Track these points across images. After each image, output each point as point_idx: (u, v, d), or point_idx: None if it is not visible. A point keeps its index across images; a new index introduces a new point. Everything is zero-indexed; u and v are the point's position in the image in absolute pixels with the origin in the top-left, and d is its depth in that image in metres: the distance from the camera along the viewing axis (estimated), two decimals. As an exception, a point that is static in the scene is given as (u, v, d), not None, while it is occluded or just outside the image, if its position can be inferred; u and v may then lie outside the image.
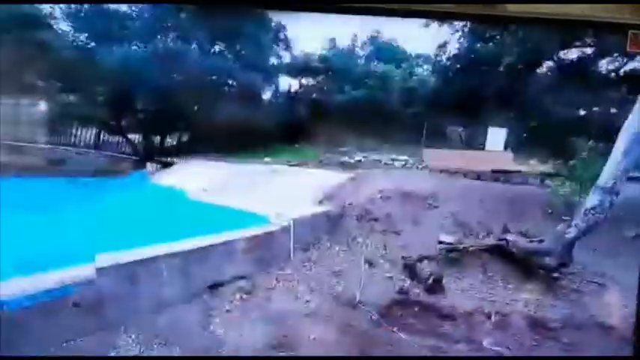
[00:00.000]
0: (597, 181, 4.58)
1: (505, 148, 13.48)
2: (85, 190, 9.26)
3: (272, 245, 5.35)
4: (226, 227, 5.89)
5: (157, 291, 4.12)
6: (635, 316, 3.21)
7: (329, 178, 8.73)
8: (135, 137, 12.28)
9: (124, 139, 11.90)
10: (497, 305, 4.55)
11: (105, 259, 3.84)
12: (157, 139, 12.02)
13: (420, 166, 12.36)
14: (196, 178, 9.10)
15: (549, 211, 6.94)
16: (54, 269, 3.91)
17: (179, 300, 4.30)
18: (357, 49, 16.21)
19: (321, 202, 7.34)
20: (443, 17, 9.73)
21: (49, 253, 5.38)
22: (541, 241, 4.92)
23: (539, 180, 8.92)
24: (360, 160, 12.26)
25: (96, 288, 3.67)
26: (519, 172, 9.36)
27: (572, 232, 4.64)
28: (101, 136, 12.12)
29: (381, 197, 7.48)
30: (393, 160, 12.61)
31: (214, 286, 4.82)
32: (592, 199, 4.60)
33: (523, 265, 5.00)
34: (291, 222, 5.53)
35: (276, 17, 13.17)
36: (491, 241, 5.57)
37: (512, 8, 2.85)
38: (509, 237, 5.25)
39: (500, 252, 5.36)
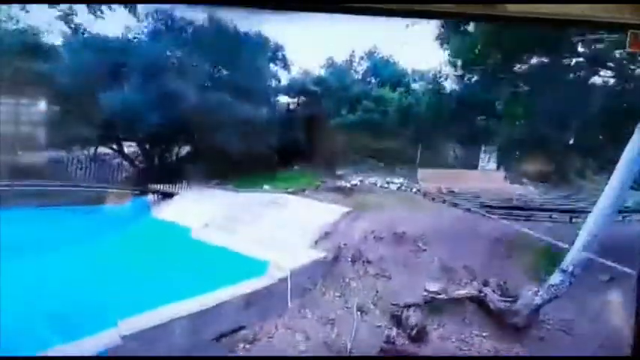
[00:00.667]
0: (561, 264, 5.50)
1: (498, 167, 14.43)
2: (88, 222, 9.93)
3: (272, 296, 6.19)
4: (229, 274, 6.78)
5: (170, 348, 4.96)
6: (634, 317, 3.39)
7: (326, 212, 9.54)
8: (135, 158, 13.07)
9: (124, 162, 12.66)
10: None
11: (127, 327, 4.69)
12: (157, 163, 12.75)
13: (414, 189, 13.24)
14: (197, 211, 9.87)
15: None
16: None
17: (189, 354, 5.14)
18: (354, 63, 16.95)
19: (317, 243, 8.18)
20: (443, 17, 10.19)
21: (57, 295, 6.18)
22: (514, 300, 5.80)
23: (526, 216, 9.83)
24: (356, 184, 13.08)
25: (122, 350, 4.51)
26: (508, 207, 10.20)
27: (537, 300, 5.54)
28: (98, 159, 12.90)
29: (374, 237, 8.32)
30: (388, 182, 13.46)
31: (219, 338, 5.67)
32: (555, 278, 5.60)
33: (497, 318, 5.88)
34: (289, 273, 6.37)
35: (274, 36, 13.74)
36: (472, 289, 6.44)
37: (512, 8, 2.92)
38: (487, 291, 6.12)
39: (479, 302, 6.23)
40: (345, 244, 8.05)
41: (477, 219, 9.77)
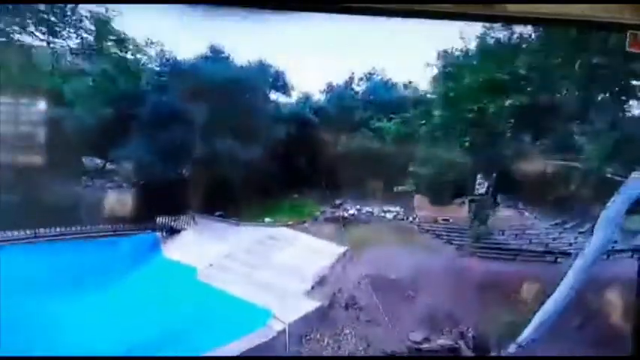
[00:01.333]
0: (518, 337, 6.47)
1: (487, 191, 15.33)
2: (95, 258, 10.70)
3: (272, 347, 7.27)
4: (233, 322, 7.89)
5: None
6: (634, 317, 3.80)
7: (323, 252, 10.58)
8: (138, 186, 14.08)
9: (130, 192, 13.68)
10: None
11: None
12: (160, 194, 13.74)
13: (410, 218, 14.20)
14: (202, 248, 10.93)
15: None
16: None
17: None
18: (353, 84, 17.73)
19: (313, 288, 9.25)
20: (442, 17, 10.82)
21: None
22: (485, 350, 6.82)
23: (513, 255, 10.78)
24: (353, 214, 14.04)
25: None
26: (496, 248, 11.16)
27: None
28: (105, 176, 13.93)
29: (367, 282, 9.37)
30: (384, 212, 14.42)
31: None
32: (511, 348, 6.51)
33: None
34: (287, 327, 7.45)
35: (274, 41, 14.48)
36: (450, 340, 7.49)
37: (512, 8, 3.19)
38: (461, 343, 7.17)
39: (455, 352, 7.29)
40: (339, 290, 9.11)
41: (467, 259, 10.75)
